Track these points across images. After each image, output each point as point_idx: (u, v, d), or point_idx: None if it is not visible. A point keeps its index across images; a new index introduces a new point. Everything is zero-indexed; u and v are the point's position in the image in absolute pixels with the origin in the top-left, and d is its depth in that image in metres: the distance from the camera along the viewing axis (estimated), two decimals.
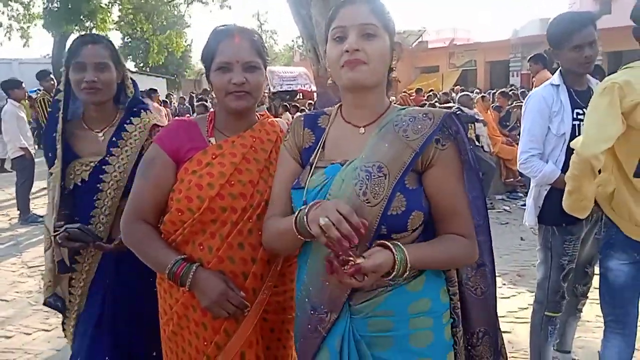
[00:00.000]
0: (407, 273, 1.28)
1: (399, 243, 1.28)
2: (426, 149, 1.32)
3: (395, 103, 1.47)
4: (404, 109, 1.42)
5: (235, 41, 1.58)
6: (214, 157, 1.60)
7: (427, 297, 1.36)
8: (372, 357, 1.33)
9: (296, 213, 1.31)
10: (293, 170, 1.47)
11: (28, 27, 18.72)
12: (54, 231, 1.85)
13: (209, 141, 1.64)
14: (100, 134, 1.97)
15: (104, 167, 1.90)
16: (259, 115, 1.76)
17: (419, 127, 1.33)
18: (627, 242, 2.21)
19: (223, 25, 1.65)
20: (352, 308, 1.35)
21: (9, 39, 18.89)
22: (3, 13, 18.04)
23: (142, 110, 2.02)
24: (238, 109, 1.61)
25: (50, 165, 1.97)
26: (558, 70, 2.64)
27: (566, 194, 2.27)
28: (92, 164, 1.91)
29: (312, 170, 1.41)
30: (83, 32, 18.70)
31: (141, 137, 1.96)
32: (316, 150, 1.44)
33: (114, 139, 1.94)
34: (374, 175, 1.29)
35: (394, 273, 1.25)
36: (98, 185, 1.89)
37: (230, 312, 1.52)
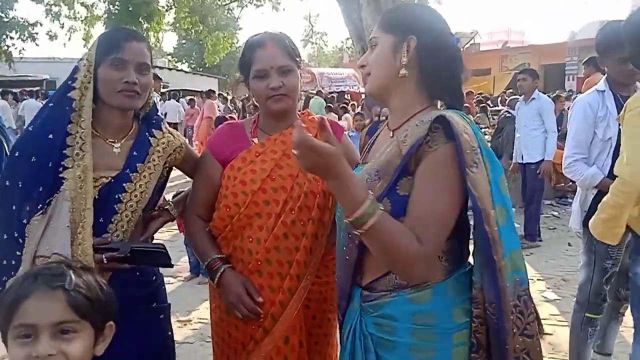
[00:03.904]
0: (367, 211, 1.18)
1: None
2: (416, 151, 1.28)
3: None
4: (431, 112, 1.35)
5: (268, 49, 1.71)
6: (257, 155, 1.74)
7: (434, 312, 1.32)
8: (375, 354, 1.35)
9: None
10: None
11: (88, 29, 19.62)
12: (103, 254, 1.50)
13: (252, 141, 1.78)
14: (117, 145, 1.65)
15: (124, 184, 1.61)
16: (299, 114, 1.89)
17: (418, 131, 1.29)
18: None
19: (255, 35, 1.78)
20: (362, 305, 1.41)
21: (69, 38, 19.74)
22: (66, 15, 18.95)
23: (161, 122, 1.79)
24: (278, 111, 1.74)
25: (28, 176, 1.50)
26: (604, 76, 2.68)
27: (599, 221, 2.15)
28: (103, 179, 1.58)
29: None
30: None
31: (164, 155, 1.73)
32: (363, 154, 1.56)
33: (135, 153, 1.66)
34: (370, 180, 1.34)
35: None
36: (115, 206, 1.59)
37: (242, 314, 1.65)
